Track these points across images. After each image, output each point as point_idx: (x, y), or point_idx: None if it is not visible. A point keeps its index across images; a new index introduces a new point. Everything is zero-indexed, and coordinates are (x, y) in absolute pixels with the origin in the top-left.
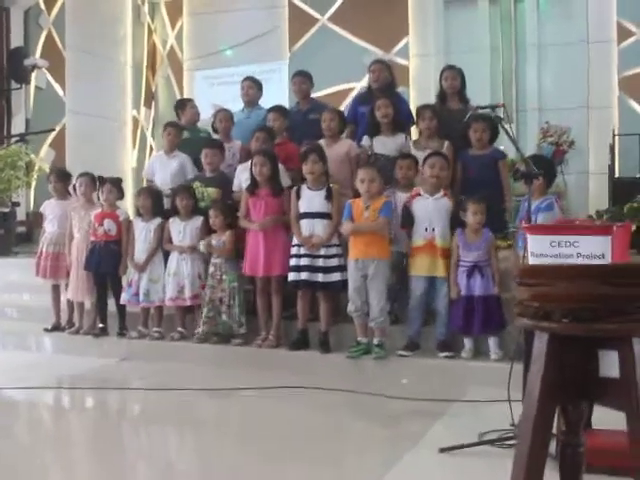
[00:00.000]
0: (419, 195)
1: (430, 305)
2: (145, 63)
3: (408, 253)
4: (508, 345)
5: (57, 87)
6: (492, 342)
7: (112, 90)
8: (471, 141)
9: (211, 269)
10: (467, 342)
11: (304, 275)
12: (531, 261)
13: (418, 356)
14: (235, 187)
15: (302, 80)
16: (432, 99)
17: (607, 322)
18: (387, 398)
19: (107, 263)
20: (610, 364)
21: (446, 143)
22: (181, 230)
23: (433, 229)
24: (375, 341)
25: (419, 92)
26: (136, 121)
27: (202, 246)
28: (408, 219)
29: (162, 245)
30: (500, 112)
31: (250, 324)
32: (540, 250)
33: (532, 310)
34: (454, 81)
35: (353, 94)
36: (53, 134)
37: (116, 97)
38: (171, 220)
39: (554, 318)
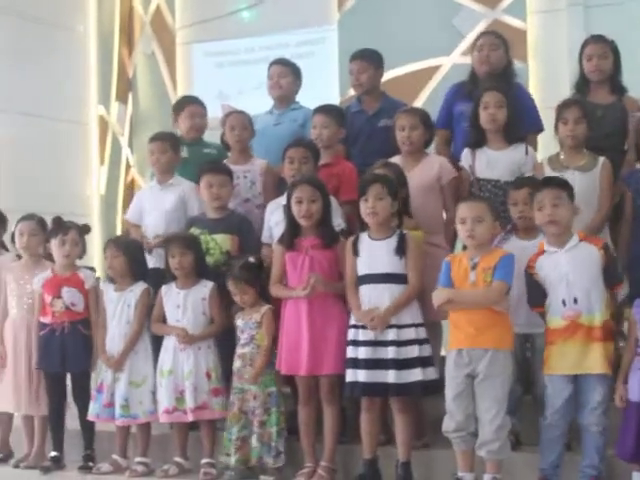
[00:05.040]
0: (543, 253)
1: (573, 418)
2: (117, 34)
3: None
4: None
5: None
6: None
7: (66, 76)
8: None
9: (237, 364)
10: (638, 477)
11: (362, 375)
12: None
13: None
14: (265, 237)
15: (362, 67)
16: (563, 81)
17: None
18: None
19: (75, 357)
20: None
21: (601, 160)
22: (180, 304)
23: (575, 299)
24: (486, 479)
25: (542, 71)
26: (104, 123)
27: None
28: (537, 292)
29: (149, 326)
30: None
31: (291, 451)
32: None
33: None
34: (602, 61)
35: (440, 74)
36: None
37: (73, 87)
38: (164, 289)
39: None
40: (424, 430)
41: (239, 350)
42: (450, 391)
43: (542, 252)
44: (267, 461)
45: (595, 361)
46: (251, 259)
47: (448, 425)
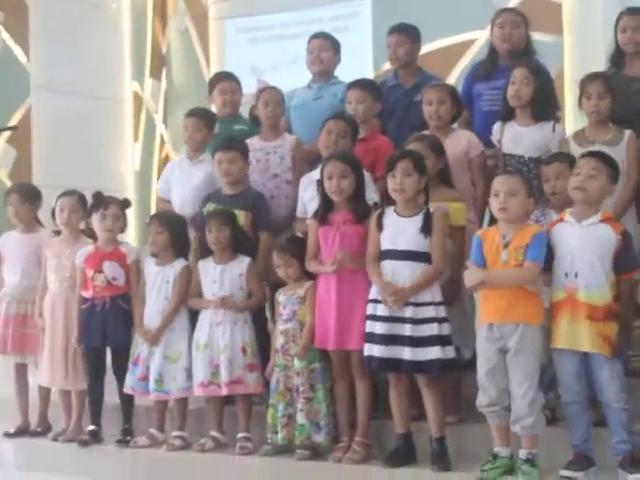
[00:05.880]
0: (562, 221)
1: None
2: (150, 10)
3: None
4: None
5: (17, 50)
6: None
7: (100, 54)
8: None
9: (280, 340)
10: None
11: (377, 350)
12: None
13: (593, 478)
14: (299, 212)
15: (400, 40)
16: (599, 54)
17: None
18: None
19: (115, 332)
20: None
21: (627, 134)
22: (217, 278)
23: (576, 274)
24: (522, 454)
25: (578, 44)
26: (138, 99)
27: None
28: (549, 256)
29: (186, 301)
30: None
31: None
32: None
33: None
34: (637, 33)
35: (475, 49)
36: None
37: (107, 64)
38: (201, 264)
39: None
40: (460, 406)
41: (281, 326)
42: (482, 366)
43: (561, 220)
44: (317, 440)
45: (590, 339)
46: (299, 233)
47: (481, 400)
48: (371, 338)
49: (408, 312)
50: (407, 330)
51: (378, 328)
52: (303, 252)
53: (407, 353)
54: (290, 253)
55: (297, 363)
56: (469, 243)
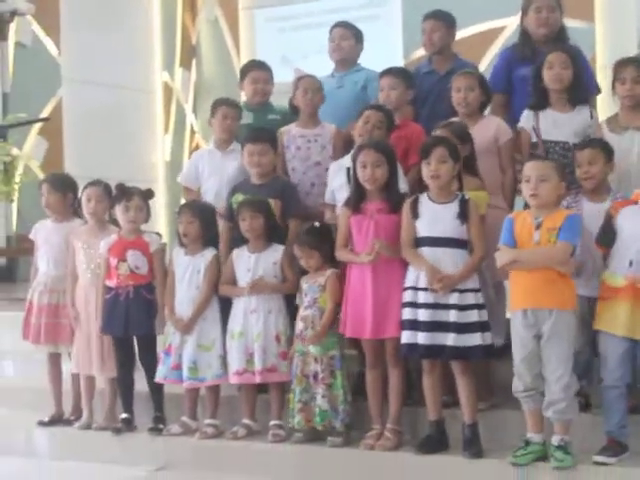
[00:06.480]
0: (635, 204)
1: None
2: (180, 0)
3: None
4: None
5: (48, 43)
6: None
7: (131, 45)
8: None
9: (300, 326)
10: None
11: (422, 337)
12: None
13: (626, 464)
14: (327, 199)
15: (435, 26)
16: (631, 40)
17: None
18: None
19: (138, 321)
20: None
21: None
22: (250, 267)
23: None
24: (554, 441)
25: (609, 31)
26: (169, 90)
27: None
28: (609, 235)
29: (217, 289)
30: None
31: (358, 413)
32: None
33: None
34: None
35: (505, 35)
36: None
37: (137, 55)
38: (236, 252)
39: None
40: (492, 392)
41: (302, 312)
42: (518, 353)
43: (634, 202)
44: (336, 425)
45: None
46: (316, 224)
47: (517, 386)
48: (414, 325)
49: (453, 299)
50: (452, 316)
51: (421, 315)
52: (322, 241)
53: (451, 339)
54: (309, 245)
55: (312, 349)
56: (494, 230)
